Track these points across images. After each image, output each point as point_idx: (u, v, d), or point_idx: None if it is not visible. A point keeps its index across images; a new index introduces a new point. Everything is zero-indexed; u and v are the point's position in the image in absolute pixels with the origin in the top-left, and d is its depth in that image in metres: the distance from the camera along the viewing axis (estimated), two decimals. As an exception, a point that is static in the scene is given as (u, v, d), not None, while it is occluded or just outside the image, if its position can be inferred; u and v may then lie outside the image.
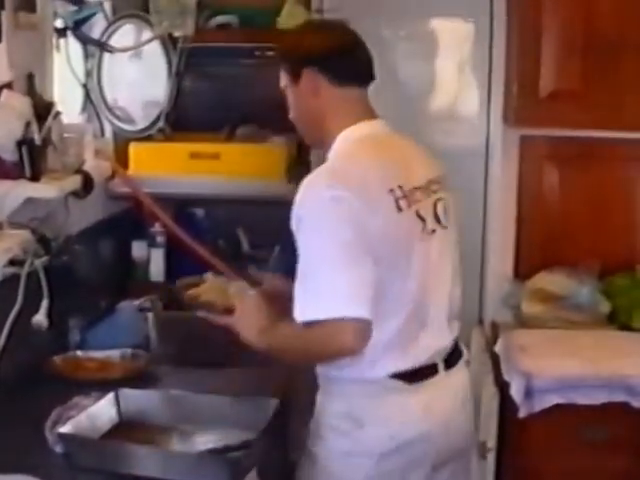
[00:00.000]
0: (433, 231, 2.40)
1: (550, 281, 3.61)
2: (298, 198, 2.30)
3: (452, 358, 2.49)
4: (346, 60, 2.43)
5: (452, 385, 2.50)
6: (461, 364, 2.55)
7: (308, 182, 2.32)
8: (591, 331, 3.51)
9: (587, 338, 3.45)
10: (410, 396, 2.38)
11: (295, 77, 2.44)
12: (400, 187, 2.32)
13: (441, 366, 2.44)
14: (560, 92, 3.51)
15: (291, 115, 2.54)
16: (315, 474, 2.47)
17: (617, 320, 3.58)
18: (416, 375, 2.38)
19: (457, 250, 2.54)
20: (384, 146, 2.42)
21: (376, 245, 2.24)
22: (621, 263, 3.67)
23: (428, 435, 2.40)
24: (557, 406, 3.17)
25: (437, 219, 2.43)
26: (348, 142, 2.40)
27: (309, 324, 2.23)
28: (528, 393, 3.16)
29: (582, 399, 3.17)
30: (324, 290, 2.21)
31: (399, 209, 2.31)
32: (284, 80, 2.49)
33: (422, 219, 2.37)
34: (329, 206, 2.24)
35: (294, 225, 2.30)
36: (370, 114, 2.47)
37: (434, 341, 2.42)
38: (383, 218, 2.27)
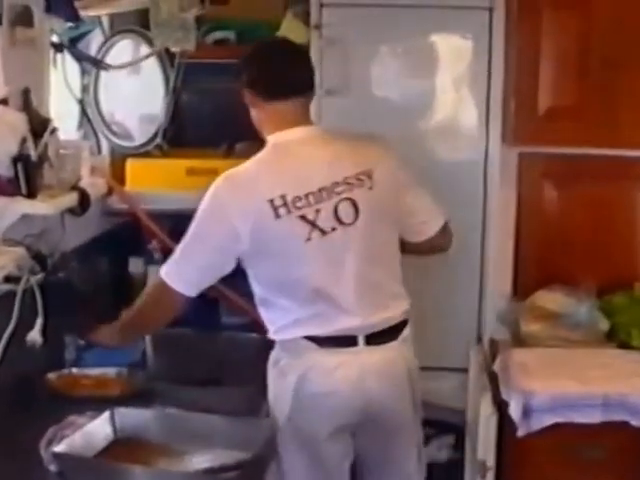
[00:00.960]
0: (333, 229, 2.74)
1: (549, 299, 3.59)
2: None
3: (378, 338, 2.81)
4: (268, 81, 2.82)
5: (373, 359, 2.80)
6: (390, 345, 2.84)
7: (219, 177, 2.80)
8: (590, 349, 3.49)
9: (586, 356, 3.43)
10: (322, 357, 2.77)
11: (244, 95, 2.87)
12: (282, 197, 2.70)
13: (361, 340, 2.78)
14: (558, 110, 3.51)
15: None
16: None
17: (616, 338, 3.56)
18: (330, 341, 2.76)
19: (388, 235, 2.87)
20: (287, 155, 2.79)
21: (250, 244, 2.71)
22: (620, 281, 3.66)
23: (334, 393, 2.77)
24: (556, 425, 3.15)
25: (337, 218, 2.75)
26: (263, 150, 2.82)
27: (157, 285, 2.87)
28: (526, 412, 3.14)
29: (581, 418, 3.15)
30: (174, 260, 2.81)
31: (277, 216, 2.70)
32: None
33: (309, 222, 2.72)
34: (209, 200, 2.76)
35: None
36: (295, 122, 2.81)
37: (345, 318, 2.76)
38: (256, 224, 2.70)
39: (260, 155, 2.82)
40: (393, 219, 2.89)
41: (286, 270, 2.77)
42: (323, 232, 2.74)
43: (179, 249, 2.82)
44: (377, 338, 2.82)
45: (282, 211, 2.71)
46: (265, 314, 2.89)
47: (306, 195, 2.73)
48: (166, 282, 2.81)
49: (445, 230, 3.01)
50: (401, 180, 2.90)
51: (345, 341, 2.79)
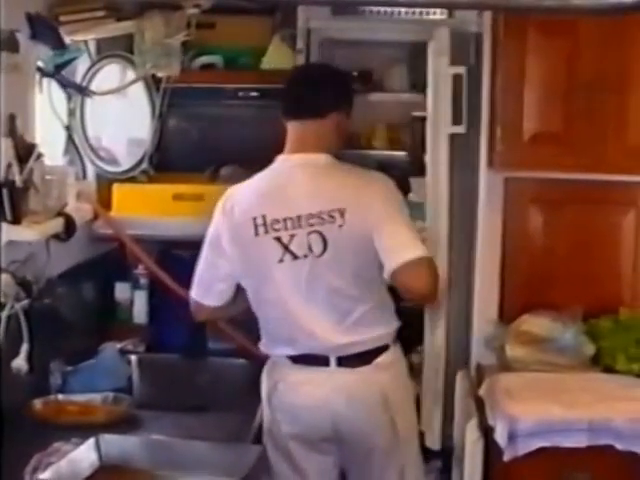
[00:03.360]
0: (305, 256, 2.85)
1: (534, 324, 3.60)
2: None
3: (350, 361, 2.88)
4: (285, 100, 3.02)
5: (341, 379, 2.89)
6: (364, 369, 2.90)
7: None
8: (575, 374, 3.50)
9: (571, 381, 3.43)
10: (292, 372, 2.91)
11: None
12: (263, 216, 2.86)
13: (333, 360, 2.88)
14: (543, 135, 3.52)
15: None
16: None
17: (601, 363, 3.56)
18: (303, 359, 2.89)
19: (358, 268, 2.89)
20: (279, 178, 2.94)
21: (234, 257, 2.89)
22: (605, 306, 3.66)
23: (300, 407, 2.89)
24: (541, 450, 3.15)
25: (309, 247, 2.85)
26: (263, 171, 2.97)
27: None
28: (512, 437, 3.14)
29: (566, 442, 3.15)
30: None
31: (256, 234, 2.86)
32: None
33: (283, 244, 2.85)
34: (215, 212, 2.95)
35: None
36: (302, 144, 2.95)
37: (313, 342, 2.87)
38: (237, 237, 2.88)
39: (260, 174, 2.98)
40: (367, 255, 2.86)
41: (260, 289, 2.92)
42: (295, 256, 2.85)
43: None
44: (348, 361, 2.89)
45: (261, 230, 2.86)
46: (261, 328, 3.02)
47: (284, 219, 2.86)
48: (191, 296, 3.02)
49: (417, 267, 2.83)
50: (377, 220, 2.85)
51: (317, 360, 2.89)
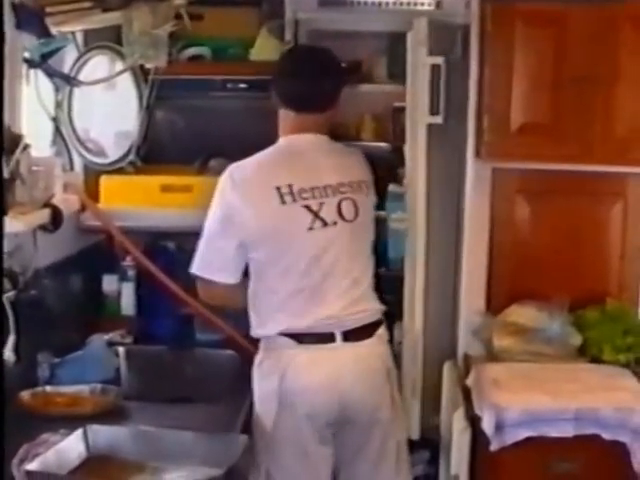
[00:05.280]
0: (334, 223, 2.94)
1: (521, 314, 3.61)
2: None
3: (355, 334, 2.94)
4: (293, 96, 3.02)
5: (349, 355, 2.93)
6: (366, 342, 2.97)
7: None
8: (562, 364, 3.52)
9: (558, 371, 3.45)
10: (299, 353, 2.90)
11: (277, 105, 3.08)
12: (289, 185, 2.89)
13: (339, 337, 2.91)
14: (531, 126, 3.53)
15: None
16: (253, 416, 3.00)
17: (588, 353, 3.58)
18: (308, 337, 2.89)
19: (368, 239, 3.09)
20: (294, 154, 2.99)
21: (252, 224, 2.88)
22: (592, 296, 3.68)
23: (311, 389, 2.88)
24: (528, 439, 3.17)
25: (340, 214, 2.95)
26: (267, 150, 3.01)
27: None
28: (499, 426, 3.16)
29: (553, 432, 3.17)
30: (199, 252, 2.98)
31: (283, 202, 2.88)
32: None
33: (312, 212, 2.91)
34: (220, 186, 2.95)
35: None
36: (307, 131, 3.01)
37: (325, 308, 2.91)
38: (259, 206, 2.88)
39: (270, 149, 3.02)
40: (373, 229, 3.12)
41: (282, 257, 2.92)
42: (325, 223, 2.93)
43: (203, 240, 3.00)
44: (354, 335, 2.94)
45: (288, 198, 2.90)
46: (252, 308, 3.00)
47: (312, 188, 2.94)
48: (199, 276, 3.01)
49: None
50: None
51: (323, 337, 2.92)
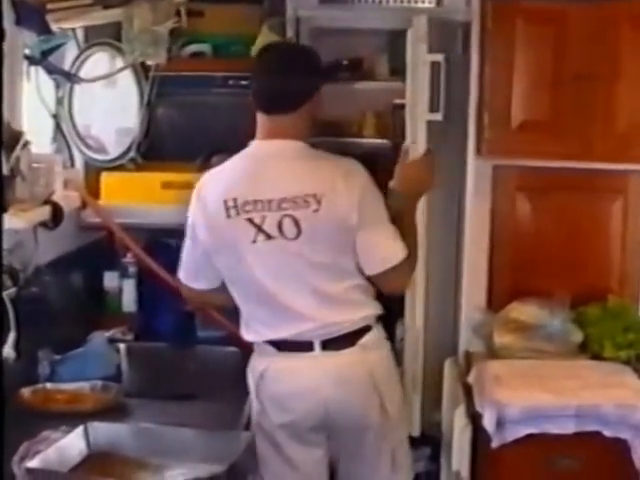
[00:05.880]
0: (274, 237, 2.84)
1: (522, 311, 3.61)
2: None
3: (334, 344, 2.88)
4: (261, 96, 2.92)
5: (328, 364, 2.88)
6: (349, 351, 2.89)
7: None
8: (563, 361, 3.52)
9: (559, 368, 3.45)
10: (278, 360, 2.89)
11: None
12: (234, 199, 2.85)
13: (317, 345, 2.87)
14: (531, 123, 3.54)
15: None
16: None
17: (589, 350, 3.58)
18: (287, 345, 2.87)
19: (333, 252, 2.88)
20: (252, 162, 2.91)
21: (207, 238, 2.89)
22: (593, 293, 3.68)
23: (289, 396, 2.87)
24: (529, 436, 3.18)
25: (280, 230, 2.84)
26: (238, 154, 2.96)
27: None
28: (500, 423, 3.16)
29: (554, 429, 3.17)
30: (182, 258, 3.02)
31: (228, 216, 2.86)
32: None
33: (255, 225, 2.84)
34: (191, 199, 2.96)
35: None
36: (277, 135, 2.90)
37: (297, 323, 2.86)
38: (211, 220, 2.88)
39: (234, 158, 2.97)
40: (345, 241, 2.86)
41: (237, 270, 2.90)
42: (268, 236, 2.84)
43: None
44: (333, 344, 2.88)
45: (232, 212, 2.86)
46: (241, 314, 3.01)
47: (254, 201, 2.85)
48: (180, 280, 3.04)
49: (396, 273, 2.90)
50: (355, 214, 2.84)
51: (301, 346, 2.87)
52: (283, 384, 2.88)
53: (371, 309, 2.94)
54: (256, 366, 2.93)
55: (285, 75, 2.89)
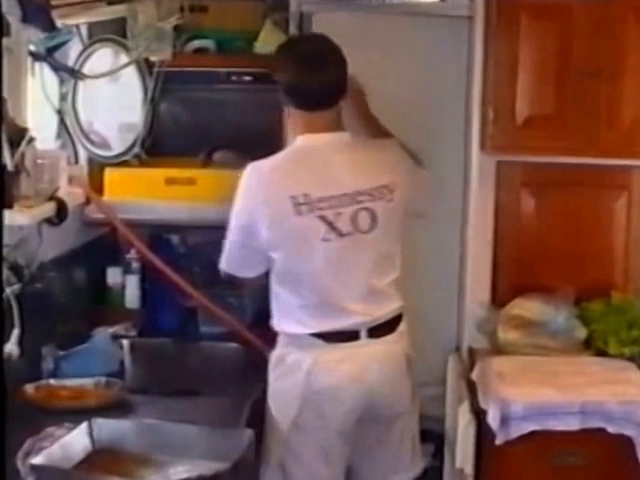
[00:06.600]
0: (350, 233, 2.87)
1: (526, 307, 3.61)
2: None
3: (378, 331, 2.95)
4: (303, 93, 2.90)
5: (374, 352, 2.94)
6: (389, 338, 2.98)
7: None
8: (567, 357, 3.52)
9: (563, 364, 3.45)
10: (327, 352, 2.89)
11: (285, 103, 2.98)
12: (305, 195, 2.83)
13: (364, 334, 2.92)
14: (536, 119, 3.53)
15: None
16: (266, 411, 2.99)
17: (593, 346, 3.58)
18: (335, 336, 2.89)
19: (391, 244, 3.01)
20: (314, 157, 2.91)
21: (267, 233, 2.85)
22: (597, 289, 3.67)
23: (339, 387, 2.88)
24: (533, 433, 3.17)
25: (355, 224, 2.88)
26: (285, 150, 2.99)
27: None
28: (504, 420, 3.15)
29: (558, 425, 3.16)
30: (224, 250, 2.99)
31: (298, 213, 2.83)
32: None
33: (328, 222, 2.85)
34: (241, 189, 2.91)
35: None
36: (325, 129, 2.91)
37: (345, 319, 2.90)
38: (274, 215, 2.85)
39: (286, 153, 2.97)
40: (401, 228, 3.04)
41: (296, 264, 2.90)
42: (341, 234, 2.87)
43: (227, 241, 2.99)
44: (378, 331, 2.95)
45: (304, 208, 2.84)
46: (275, 304, 3.01)
47: (329, 197, 2.86)
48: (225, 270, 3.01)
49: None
50: (412, 192, 3.03)
51: (349, 336, 2.92)
52: (334, 375, 2.90)
53: (401, 301, 3.06)
54: (301, 360, 2.91)
55: (330, 68, 2.90)
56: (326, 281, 2.89)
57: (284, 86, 2.92)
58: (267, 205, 2.86)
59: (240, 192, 2.92)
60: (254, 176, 2.91)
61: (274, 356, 3.00)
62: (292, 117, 2.97)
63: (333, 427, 2.91)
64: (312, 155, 2.92)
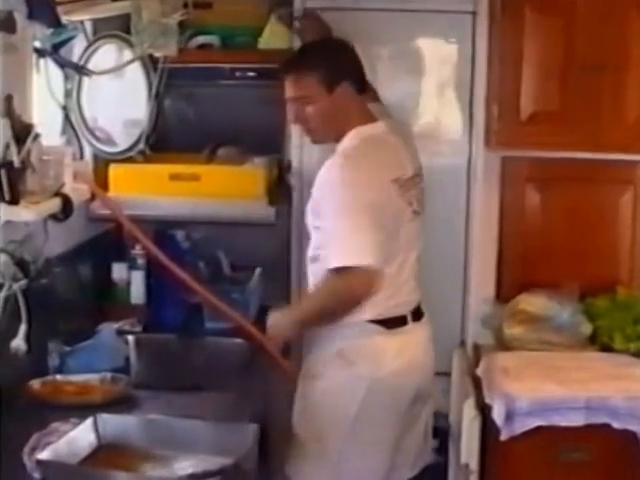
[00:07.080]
0: (418, 213, 3.03)
1: (531, 303, 3.61)
2: (318, 180, 2.92)
3: (418, 314, 3.07)
4: (361, 77, 3.05)
5: (418, 334, 3.06)
6: (424, 320, 3.10)
7: (327, 166, 2.91)
8: (572, 353, 3.52)
9: (568, 360, 3.45)
10: (388, 340, 2.96)
11: (330, 88, 2.96)
12: (397, 179, 2.94)
13: (409, 318, 3.02)
14: (540, 114, 3.53)
15: (310, 117, 3.00)
16: (311, 410, 3.01)
17: (598, 341, 3.58)
18: (391, 323, 2.97)
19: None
20: (384, 144, 3.00)
21: (383, 215, 2.85)
22: (602, 284, 3.68)
23: (400, 372, 2.95)
24: (538, 428, 3.18)
25: (420, 205, 3.05)
26: (357, 139, 2.97)
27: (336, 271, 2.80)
28: (509, 416, 3.16)
29: (563, 421, 3.17)
30: (344, 245, 2.83)
31: (399, 195, 2.93)
32: (305, 90, 2.97)
33: (410, 204, 2.98)
34: (342, 180, 2.85)
35: (316, 198, 2.93)
36: (372, 117, 3.03)
37: (407, 296, 3.03)
38: (382, 198, 2.87)
39: (362, 142, 2.97)
40: None
41: (392, 245, 2.92)
42: (417, 213, 3.04)
43: (346, 233, 2.82)
44: (416, 315, 3.07)
45: (401, 191, 2.97)
46: None
47: (408, 179, 3.01)
48: (352, 266, 2.77)
49: None
50: None
51: (400, 321, 3.01)
52: (395, 363, 2.96)
53: None
54: (365, 350, 2.95)
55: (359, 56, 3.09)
56: (405, 261, 2.99)
57: (344, 70, 2.99)
58: (381, 189, 2.90)
59: (344, 180, 2.85)
60: (352, 164, 2.89)
61: (327, 353, 3.00)
62: (350, 104, 2.99)
63: (396, 414, 2.99)
64: (383, 141, 3.01)
